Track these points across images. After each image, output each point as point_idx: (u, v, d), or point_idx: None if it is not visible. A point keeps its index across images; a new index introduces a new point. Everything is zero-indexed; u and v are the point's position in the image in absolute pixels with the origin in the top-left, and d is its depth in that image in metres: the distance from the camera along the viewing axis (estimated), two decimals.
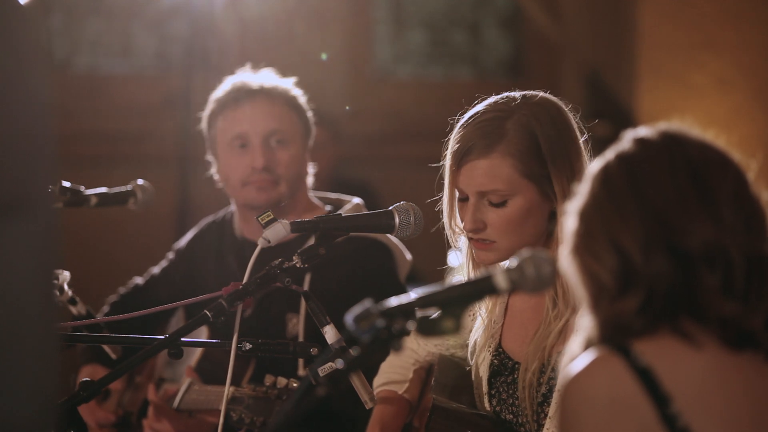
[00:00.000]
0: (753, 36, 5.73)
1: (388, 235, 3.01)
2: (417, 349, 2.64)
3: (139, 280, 3.39)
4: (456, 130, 2.42)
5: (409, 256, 3.05)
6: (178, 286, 3.23)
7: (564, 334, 2.36)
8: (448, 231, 2.47)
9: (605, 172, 1.71)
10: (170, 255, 3.36)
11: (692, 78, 5.70)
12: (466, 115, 2.42)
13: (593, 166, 1.74)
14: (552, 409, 2.35)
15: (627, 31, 5.90)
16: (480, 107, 2.42)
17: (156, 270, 3.36)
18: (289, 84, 3.20)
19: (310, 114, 3.18)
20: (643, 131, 1.74)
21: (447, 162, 2.41)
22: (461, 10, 6.48)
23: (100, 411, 3.14)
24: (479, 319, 2.52)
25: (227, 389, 2.45)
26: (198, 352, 3.04)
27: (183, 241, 3.35)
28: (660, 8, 5.77)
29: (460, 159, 2.37)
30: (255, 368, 2.94)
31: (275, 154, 3.08)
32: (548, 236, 2.41)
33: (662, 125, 1.74)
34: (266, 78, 3.19)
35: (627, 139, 1.73)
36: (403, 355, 2.64)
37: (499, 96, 2.42)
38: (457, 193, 2.42)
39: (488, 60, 6.51)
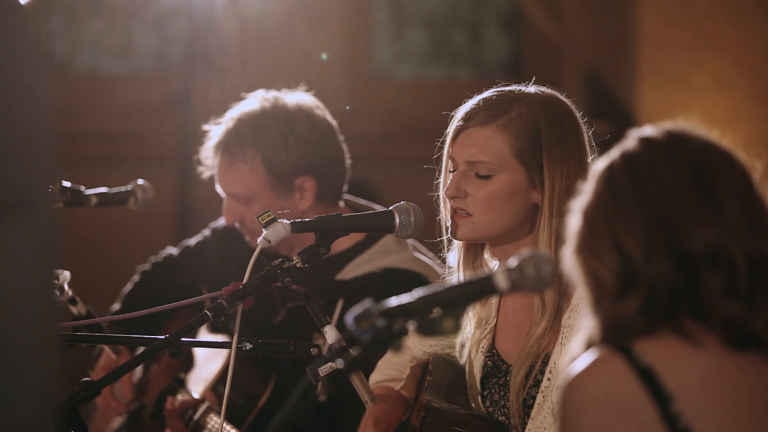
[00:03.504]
0: (753, 36, 5.73)
1: (425, 261, 2.98)
2: (413, 347, 2.64)
3: (173, 250, 3.34)
4: (466, 103, 2.45)
5: (441, 271, 3.03)
6: (208, 265, 3.20)
7: (553, 335, 2.36)
8: (441, 205, 2.48)
9: (609, 172, 1.71)
10: (206, 232, 3.31)
11: (692, 78, 5.70)
12: (481, 94, 2.45)
13: (598, 165, 1.74)
14: (534, 411, 2.35)
15: (627, 31, 5.90)
16: (495, 89, 2.45)
17: (191, 242, 3.32)
18: (263, 116, 2.99)
19: (295, 140, 2.98)
20: (648, 130, 1.73)
21: (450, 128, 2.43)
22: (461, 10, 6.48)
23: (114, 401, 3.11)
24: (468, 319, 2.52)
25: (227, 389, 2.45)
26: (219, 364, 3.01)
27: (221, 222, 3.28)
28: (660, 8, 5.78)
29: (462, 123, 2.40)
30: (274, 387, 2.92)
31: (242, 212, 3.02)
32: (530, 230, 2.41)
33: (668, 125, 1.73)
34: (240, 119, 3.00)
35: (632, 138, 1.73)
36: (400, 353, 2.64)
37: (515, 86, 2.45)
38: (451, 166, 2.43)
39: (488, 60, 6.51)
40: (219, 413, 2.89)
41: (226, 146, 3.00)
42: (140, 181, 3.11)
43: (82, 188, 2.96)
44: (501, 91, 2.43)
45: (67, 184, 2.93)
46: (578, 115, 2.44)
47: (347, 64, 6.21)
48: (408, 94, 6.25)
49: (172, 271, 3.28)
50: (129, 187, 3.08)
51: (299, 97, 3.05)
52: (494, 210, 2.37)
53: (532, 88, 2.44)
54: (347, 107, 6.01)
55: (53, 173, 1.44)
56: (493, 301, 2.50)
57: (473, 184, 2.38)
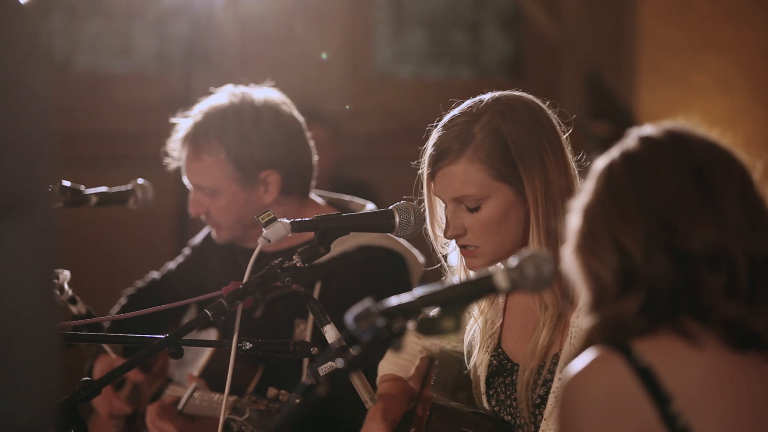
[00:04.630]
0: (753, 36, 5.74)
1: (400, 240, 3.01)
2: (419, 340, 2.64)
3: (156, 274, 3.39)
4: (432, 134, 2.43)
5: (422, 259, 3.04)
6: (192, 281, 3.22)
7: (560, 334, 2.36)
8: (431, 237, 2.48)
9: (609, 171, 1.70)
10: (186, 251, 3.35)
11: (692, 78, 5.70)
12: (442, 120, 2.44)
13: (598, 164, 1.73)
14: (547, 411, 2.35)
15: (627, 31, 5.90)
16: (454, 112, 2.44)
17: (172, 265, 3.36)
18: (233, 107, 3.02)
19: (262, 133, 3.00)
20: (648, 129, 1.73)
21: (423, 167, 2.43)
22: (461, 10, 6.49)
23: (117, 400, 3.12)
24: (473, 319, 2.53)
25: (227, 389, 2.45)
26: (205, 357, 3.03)
27: (198, 237, 3.34)
28: (660, 8, 5.78)
29: (433, 164, 2.40)
30: (262, 375, 2.93)
31: (207, 204, 3.05)
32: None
33: (668, 124, 1.73)
34: (208, 112, 3.04)
35: (632, 137, 1.73)
36: (409, 344, 2.64)
37: (471, 100, 2.44)
38: (438, 201, 2.44)
39: (488, 60, 6.51)
40: (205, 392, 2.90)
41: (193, 138, 3.04)
42: (140, 181, 3.11)
43: (82, 188, 2.96)
44: (458, 115, 2.41)
45: (67, 183, 2.94)
46: (538, 103, 2.43)
47: (347, 64, 6.22)
48: (408, 94, 6.25)
49: (157, 291, 3.31)
50: (129, 186, 3.09)
51: (266, 93, 3.09)
52: (496, 235, 2.38)
53: (487, 97, 2.41)
54: (347, 107, 6.02)
55: (53, 173, 1.44)
56: (500, 301, 2.50)
57: (467, 219, 2.38)
